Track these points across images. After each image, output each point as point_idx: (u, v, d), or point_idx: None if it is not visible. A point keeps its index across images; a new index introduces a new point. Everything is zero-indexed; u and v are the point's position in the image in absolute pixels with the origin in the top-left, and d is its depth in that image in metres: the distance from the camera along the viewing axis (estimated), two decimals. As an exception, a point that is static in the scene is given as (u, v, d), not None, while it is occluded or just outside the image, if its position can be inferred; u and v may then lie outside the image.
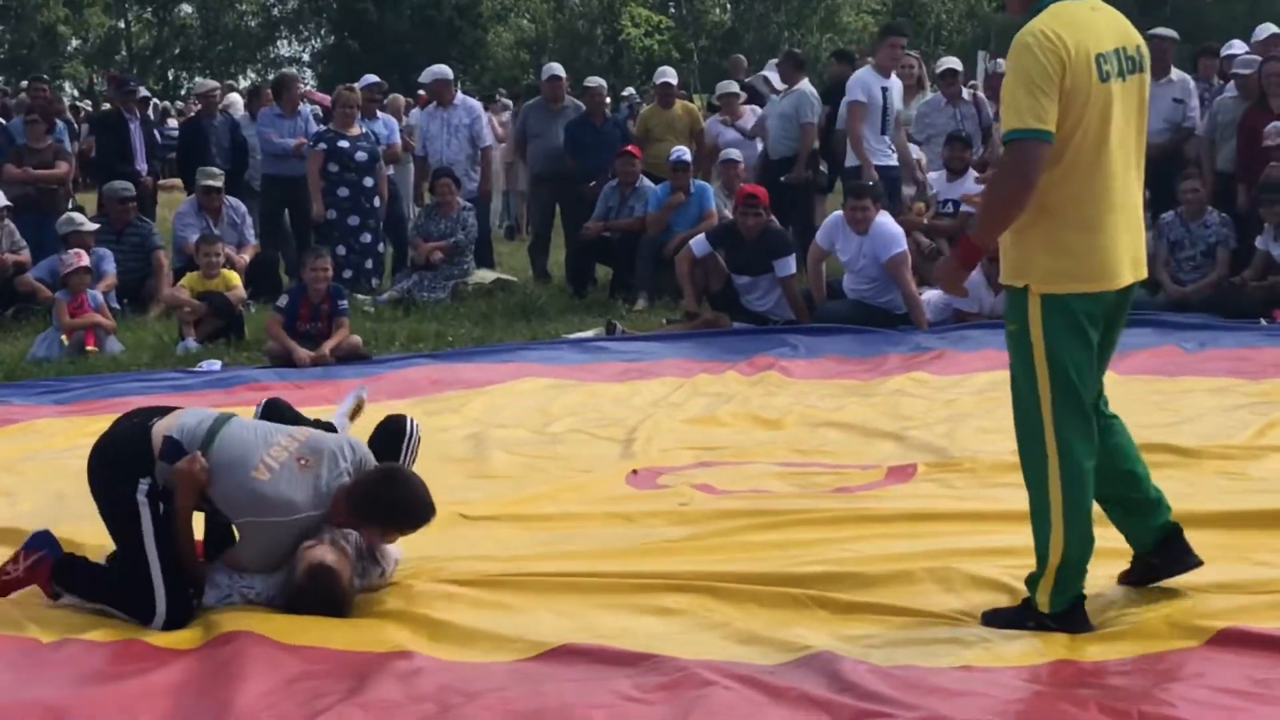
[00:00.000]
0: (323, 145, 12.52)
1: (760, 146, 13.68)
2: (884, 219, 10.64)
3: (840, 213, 10.76)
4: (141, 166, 13.61)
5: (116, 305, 11.27)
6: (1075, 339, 4.29)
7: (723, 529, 5.62)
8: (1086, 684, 4.01)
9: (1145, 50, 4.44)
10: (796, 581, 4.84)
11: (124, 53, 49.62)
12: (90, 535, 5.21)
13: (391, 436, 5.43)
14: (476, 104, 14.51)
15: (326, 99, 18.01)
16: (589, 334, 10.63)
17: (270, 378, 9.11)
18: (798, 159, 12.91)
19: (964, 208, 10.86)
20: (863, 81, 12.05)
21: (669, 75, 14.06)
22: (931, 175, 12.50)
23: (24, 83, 23.28)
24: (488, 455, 7.09)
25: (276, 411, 5.50)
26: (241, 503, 4.79)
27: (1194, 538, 4.67)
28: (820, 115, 13.01)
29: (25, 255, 11.78)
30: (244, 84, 36.99)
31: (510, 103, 20.03)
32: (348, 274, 12.14)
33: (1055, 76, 4.15)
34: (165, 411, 5.00)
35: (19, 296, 11.47)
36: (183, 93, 43.33)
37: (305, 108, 14.30)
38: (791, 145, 12.96)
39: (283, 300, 9.92)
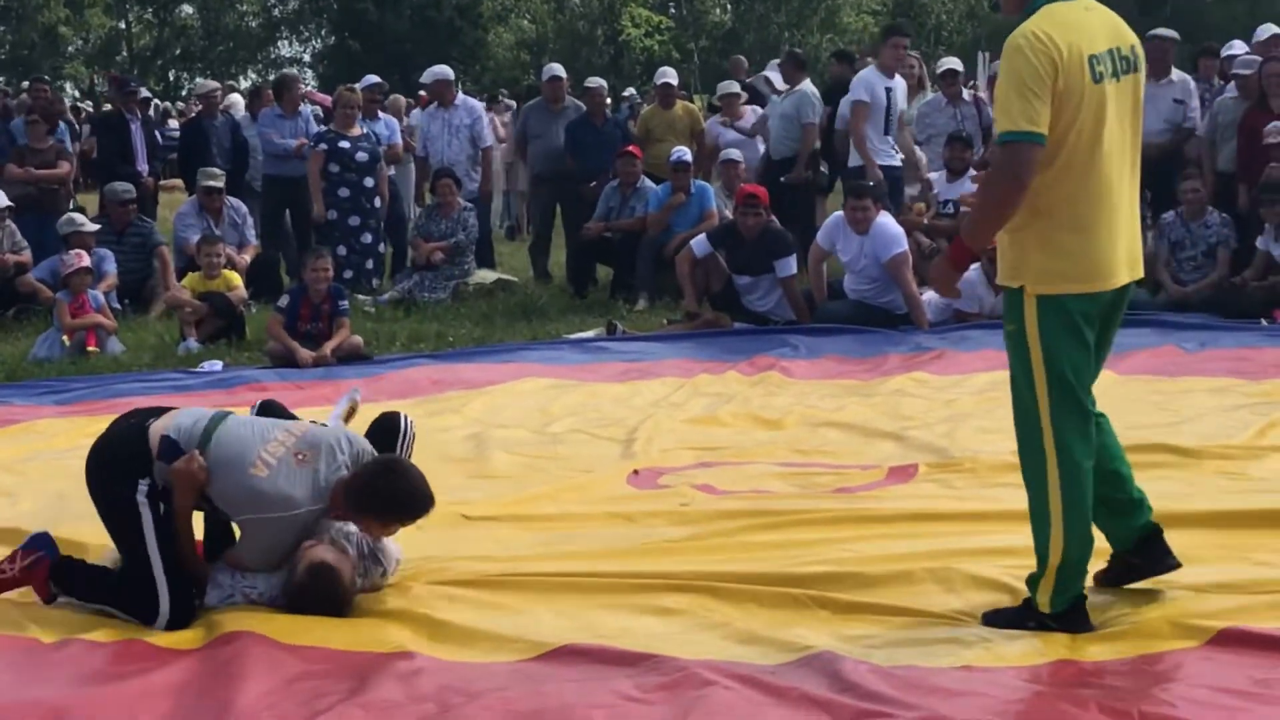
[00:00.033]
0: (323, 146, 12.52)
1: (762, 147, 13.68)
2: (885, 219, 10.64)
3: (841, 213, 10.77)
4: (142, 167, 13.61)
5: (118, 306, 11.27)
6: (1072, 339, 4.29)
7: (723, 529, 5.62)
8: (1087, 684, 4.02)
9: (1140, 50, 4.43)
10: (797, 581, 4.84)
11: (125, 53, 49.62)
12: (91, 535, 5.21)
13: (386, 434, 5.42)
14: (477, 104, 14.52)
15: (327, 99, 18.03)
16: (590, 334, 10.62)
17: (271, 378, 9.11)
18: (798, 159, 12.91)
19: (963, 208, 10.85)
20: (866, 81, 12.07)
21: (669, 76, 14.06)
22: (932, 175, 12.50)
23: (25, 83, 23.28)
24: (488, 455, 7.10)
25: (270, 414, 5.48)
26: (241, 500, 4.79)
27: (1194, 537, 4.67)
28: (821, 116, 13.02)
29: (26, 255, 11.78)
30: (245, 84, 37.03)
31: (513, 103, 20.02)
32: (348, 274, 12.14)
33: (1047, 78, 4.15)
34: (161, 412, 5.00)
35: (20, 297, 11.47)
36: (184, 93, 43.31)
37: (306, 108, 14.30)
38: (793, 145, 12.95)
39: (284, 301, 9.91)
